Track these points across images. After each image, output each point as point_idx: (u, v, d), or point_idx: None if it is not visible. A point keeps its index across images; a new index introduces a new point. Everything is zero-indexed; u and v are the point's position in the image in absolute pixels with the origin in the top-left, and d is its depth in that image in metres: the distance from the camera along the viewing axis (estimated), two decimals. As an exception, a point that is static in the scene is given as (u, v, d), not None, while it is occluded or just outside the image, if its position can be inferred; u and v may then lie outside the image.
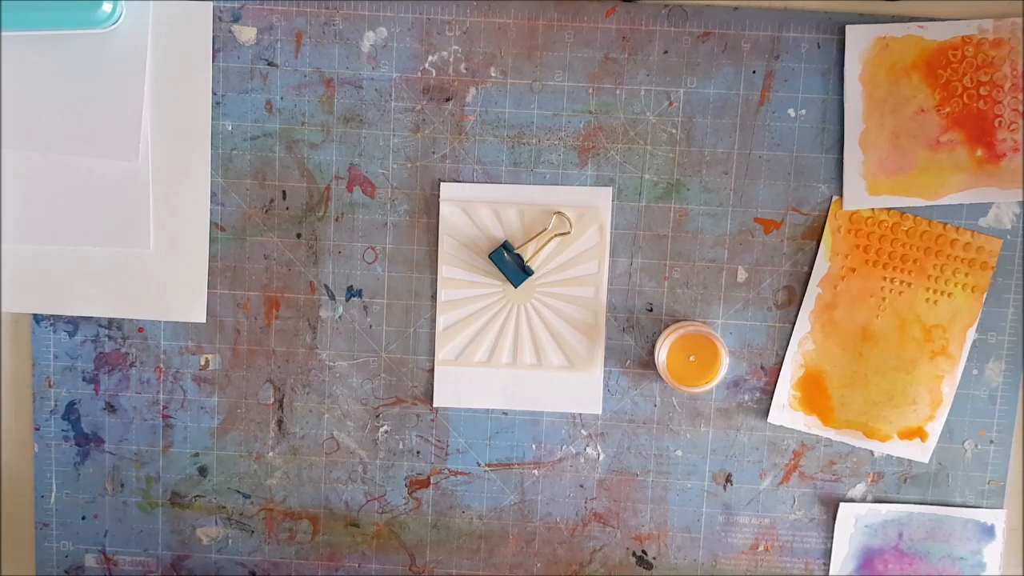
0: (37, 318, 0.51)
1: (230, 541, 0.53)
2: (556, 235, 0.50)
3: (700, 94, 0.49)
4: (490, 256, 0.49)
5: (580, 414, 0.51)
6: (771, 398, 0.51)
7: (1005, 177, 0.49)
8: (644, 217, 0.50)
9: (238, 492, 0.52)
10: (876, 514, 0.52)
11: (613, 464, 0.52)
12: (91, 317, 0.51)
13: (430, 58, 0.49)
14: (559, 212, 0.50)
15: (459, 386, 0.51)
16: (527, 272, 0.49)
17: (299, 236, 0.50)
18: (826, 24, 0.49)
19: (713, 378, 0.49)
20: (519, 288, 0.50)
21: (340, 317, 0.51)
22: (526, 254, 0.49)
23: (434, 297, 0.51)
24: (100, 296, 0.50)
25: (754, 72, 0.49)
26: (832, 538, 0.52)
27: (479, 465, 0.52)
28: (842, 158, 0.50)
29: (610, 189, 0.50)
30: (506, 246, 0.49)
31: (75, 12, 0.46)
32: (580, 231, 0.50)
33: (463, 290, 0.50)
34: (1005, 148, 0.49)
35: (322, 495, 0.52)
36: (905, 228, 0.50)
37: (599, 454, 0.52)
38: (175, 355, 0.51)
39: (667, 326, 0.51)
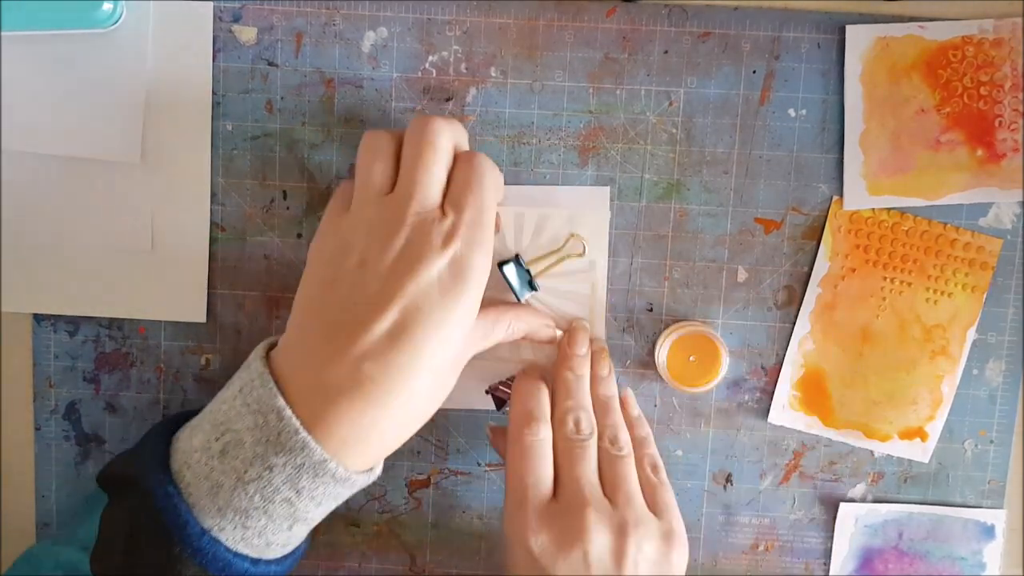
0: (37, 318, 0.51)
1: (230, 541, 0.53)
2: (569, 256, 0.50)
3: (700, 94, 0.49)
4: (499, 266, 0.49)
5: (580, 414, 0.51)
6: (771, 398, 0.51)
7: (1005, 177, 0.49)
8: (644, 217, 0.50)
9: (238, 492, 0.52)
10: (876, 514, 0.52)
11: (613, 464, 0.52)
12: (92, 317, 0.51)
13: (430, 58, 0.49)
14: (574, 234, 0.49)
15: (459, 386, 0.50)
16: (532, 288, 0.49)
17: (300, 236, 0.50)
18: (826, 24, 0.49)
19: (713, 378, 0.49)
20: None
21: (340, 317, 0.51)
22: (535, 270, 0.49)
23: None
24: (101, 296, 0.50)
25: (754, 72, 0.49)
26: (832, 538, 0.53)
27: (479, 465, 0.52)
28: (842, 158, 0.50)
29: (608, 189, 0.50)
30: (517, 259, 0.49)
31: (76, 12, 0.46)
32: (580, 231, 0.49)
33: None
34: (1005, 148, 0.49)
35: (322, 495, 0.52)
36: (905, 228, 0.50)
37: (599, 454, 0.52)
38: (176, 355, 0.51)
39: (667, 326, 0.51)
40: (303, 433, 0.37)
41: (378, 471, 0.42)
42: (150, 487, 0.38)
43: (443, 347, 0.40)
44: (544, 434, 0.45)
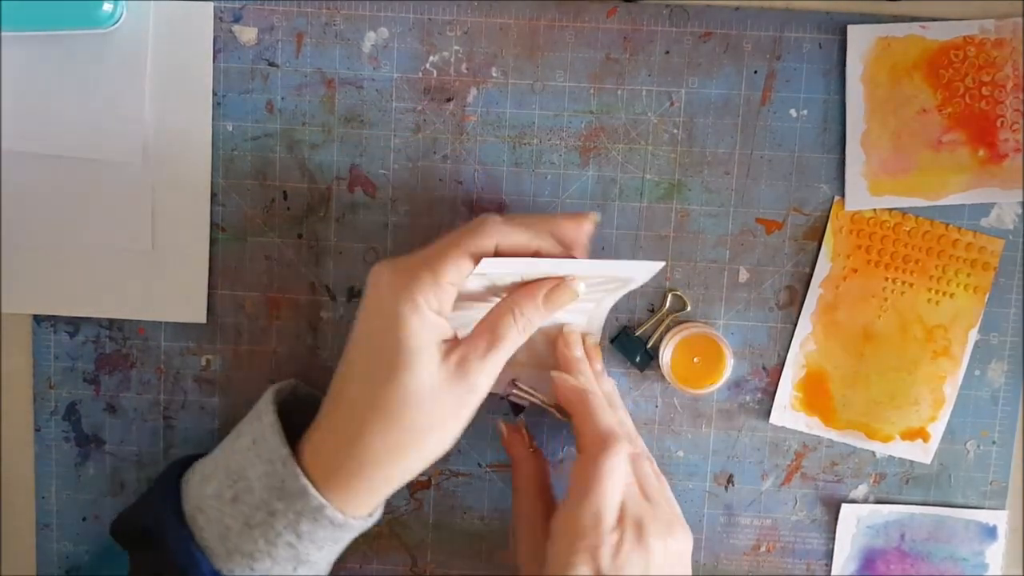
0: (37, 319, 0.51)
1: (231, 542, 0.53)
2: (673, 314, 0.50)
3: (701, 94, 0.49)
4: (611, 341, 0.49)
5: (581, 415, 0.51)
6: (773, 399, 0.51)
7: (1007, 177, 0.49)
8: (645, 218, 0.50)
9: (239, 493, 0.52)
10: (878, 515, 0.52)
11: (614, 465, 0.52)
12: (92, 318, 0.51)
13: (431, 58, 0.49)
14: (674, 291, 0.50)
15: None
16: (650, 356, 0.50)
17: (300, 236, 0.50)
18: (827, 24, 0.49)
19: (718, 380, 0.49)
20: None
21: (341, 318, 0.51)
22: (646, 336, 0.50)
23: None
24: (101, 297, 0.50)
25: (755, 72, 0.49)
26: (834, 539, 0.52)
27: (480, 466, 0.52)
28: (844, 158, 0.49)
29: (663, 263, 0.46)
30: (625, 331, 0.49)
31: (76, 12, 0.46)
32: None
33: (461, 302, 0.49)
34: (1007, 148, 0.49)
35: (323, 496, 0.52)
36: (907, 228, 0.50)
37: (600, 455, 0.52)
38: (176, 356, 0.51)
39: (668, 327, 0.51)
40: (303, 480, 0.39)
41: (378, 515, 0.44)
42: (165, 533, 0.40)
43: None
44: (627, 451, 0.43)
